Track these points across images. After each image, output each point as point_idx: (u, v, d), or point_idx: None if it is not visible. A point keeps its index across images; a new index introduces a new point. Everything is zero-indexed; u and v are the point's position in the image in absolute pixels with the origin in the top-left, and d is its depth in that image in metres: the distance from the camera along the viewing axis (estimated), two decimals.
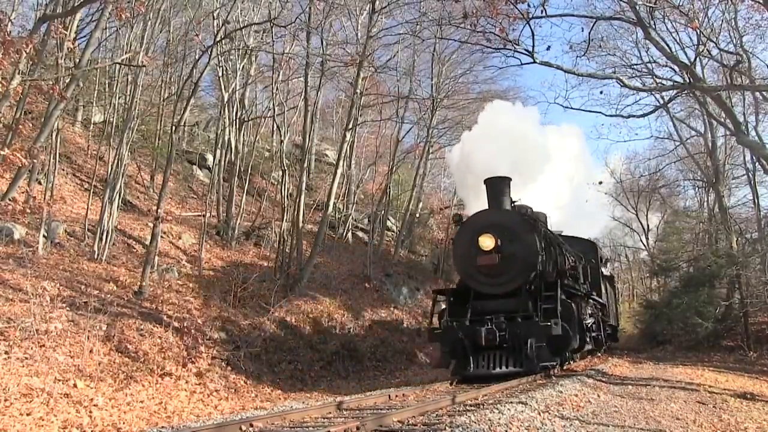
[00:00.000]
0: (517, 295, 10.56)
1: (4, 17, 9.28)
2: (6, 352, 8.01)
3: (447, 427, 5.07)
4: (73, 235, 13.25)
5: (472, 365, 9.90)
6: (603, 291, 16.94)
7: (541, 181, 14.83)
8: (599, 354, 17.20)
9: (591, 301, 14.23)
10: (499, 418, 5.50)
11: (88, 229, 13.38)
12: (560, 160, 18.94)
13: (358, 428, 5.17)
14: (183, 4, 19.91)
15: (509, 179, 11.69)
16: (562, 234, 15.30)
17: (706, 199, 31.23)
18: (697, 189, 32.19)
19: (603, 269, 18.02)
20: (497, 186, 11.65)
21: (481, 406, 6.24)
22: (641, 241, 37.06)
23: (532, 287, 10.67)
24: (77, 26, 15.50)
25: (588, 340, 13.11)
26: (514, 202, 11.65)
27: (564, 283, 11.13)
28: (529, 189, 13.79)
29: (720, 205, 24.61)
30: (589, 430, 5.82)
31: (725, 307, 22.26)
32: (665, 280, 29.14)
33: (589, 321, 13.39)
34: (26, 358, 8.07)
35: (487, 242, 10.56)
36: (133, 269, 12.84)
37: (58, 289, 10.19)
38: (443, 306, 11.72)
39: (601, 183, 22.34)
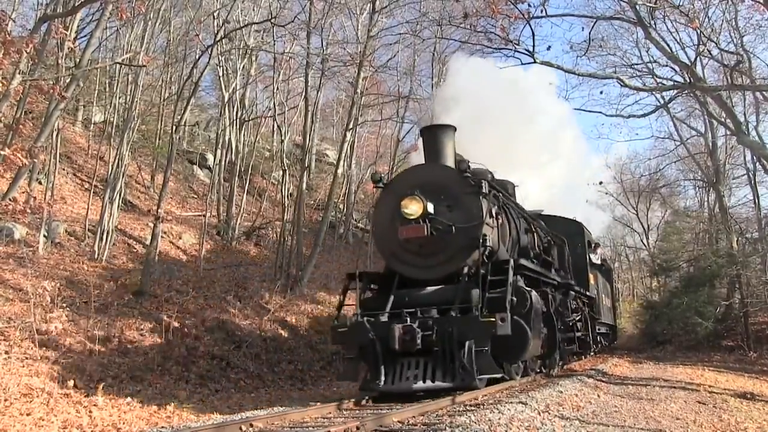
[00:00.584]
0: (458, 282, 7.88)
1: (4, 17, 9.29)
2: (6, 352, 8.03)
3: (447, 427, 5.07)
4: (73, 235, 13.25)
5: (382, 377, 7.22)
6: (591, 282, 14.47)
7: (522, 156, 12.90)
8: (589, 356, 14.98)
9: (572, 293, 11.76)
10: (499, 418, 5.50)
11: (88, 229, 13.38)
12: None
13: (358, 428, 5.17)
14: (183, 4, 19.93)
15: (452, 128, 9.02)
16: (542, 213, 13.37)
17: (706, 199, 31.25)
18: (697, 189, 32.22)
19: (591, 256, 15.33)
20: (435, 136, 8.87)
21: (481, 406, 6.24)
22: (641, 241, 37.07)
23: (480, 271, 7.75)
24: (77, 26, 15.51)
25: (564, 341, 10.73)
26: (464, 161, 8.44)
27: (525, 267, 8.50)
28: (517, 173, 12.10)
29: (720, 205, 24.60)
30: (589, 430, 5.82)
31: (725, 307, 22.26)
32: (665, 280, 29.13)
33: (571, 318, 11.16)
34: (26, 358, 8.09)
35: (412, 207, 7.88)
36: (133, 269, 12.85)
37: (58, 289, 10.19)
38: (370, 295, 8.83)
39: (601, 183, 22.36)
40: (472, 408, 6.18)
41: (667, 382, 10.65)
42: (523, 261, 8.49)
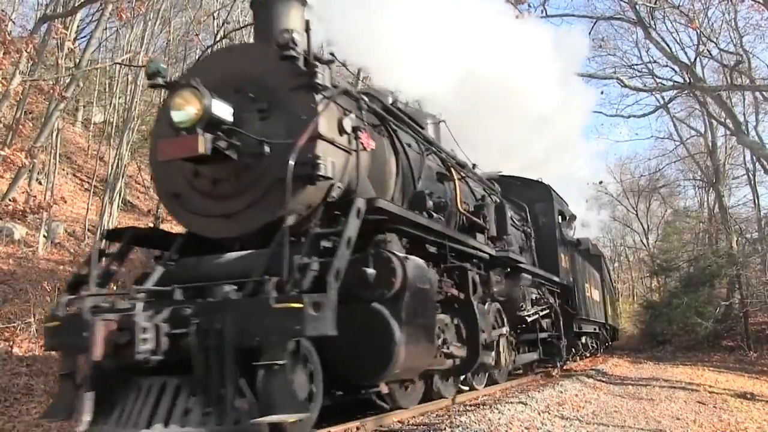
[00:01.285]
0: (283, 243, 3.97)
1: (4, 17, 9.30)
2: (6, 352, 8.03)
3: (447, 427, 5.07)
4: (73, 235, 13.26)
5: (84, 416, 3.71)
6: (563, 264, 10.91)
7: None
8: (561, 365, 10.74)
9: (527, 276, 8.47)
10: (499, 418, 5.50)
11: (88, 229, 13.38)
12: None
13: (358, 428, 5.17)
14: (183, 4, 19.94)
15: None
16: (501, 174, 10.39)
17: (706, 199, 31.36)
18: (697, 189, 32.32)
19: (565, 230, 11.74)
20: (270, 10, 5.08)
21: (481, 406, 6.25)
22: (641, 241, 37.13)
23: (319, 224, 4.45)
24: (77, 26, 15.50)
25: (504, 347, 7.46)
26: (287, 30, 4.59)
27: (401, 218, 4.85)
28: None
29: (720, 205, 24.66)
30: (589, 430, 5.82)
31: (725, 307, 22.29)
32: (665, 280, 29.18)
33: (527, 311, 8.41)
34: (26, 358, 8.09)
35: (185, 108, 4.17)
36: (134, 269, 12.84)
37: (58, 289, 10.19)
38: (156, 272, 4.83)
39: (601, 183, 22.41)
40: (472, 408, 6.18)
41: (667, 382, 10.65)
42: (384, 203, 4.55)
